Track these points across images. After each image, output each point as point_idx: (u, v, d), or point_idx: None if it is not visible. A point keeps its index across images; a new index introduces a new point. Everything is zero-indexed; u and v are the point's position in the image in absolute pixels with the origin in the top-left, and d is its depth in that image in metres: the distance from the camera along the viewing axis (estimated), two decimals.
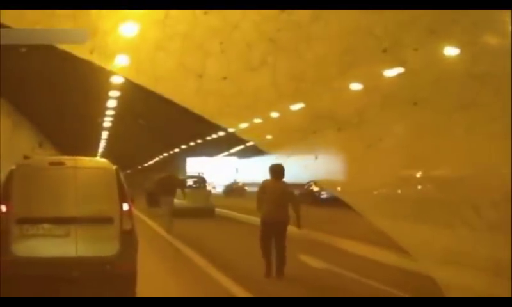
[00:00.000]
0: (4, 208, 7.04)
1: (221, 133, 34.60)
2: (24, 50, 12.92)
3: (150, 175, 35.40)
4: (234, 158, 54.87)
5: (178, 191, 17.59)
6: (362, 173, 6.43)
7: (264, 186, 8.73)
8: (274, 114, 7.78)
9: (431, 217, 5.52)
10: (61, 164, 7.54)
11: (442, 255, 5.29)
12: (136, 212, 8.60)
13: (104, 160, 8.31)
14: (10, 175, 7.35)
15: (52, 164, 7.63)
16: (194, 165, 56.13)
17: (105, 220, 7.14)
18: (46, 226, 7.02)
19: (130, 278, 7.13)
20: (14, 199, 7.10)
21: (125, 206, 7.22)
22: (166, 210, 16.02)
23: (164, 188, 16.67)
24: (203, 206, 21.32)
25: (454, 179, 5.52)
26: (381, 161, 5.98)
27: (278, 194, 8.45)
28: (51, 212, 7.08)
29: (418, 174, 6.22)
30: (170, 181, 17.21)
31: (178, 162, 55.36)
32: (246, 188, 41.58)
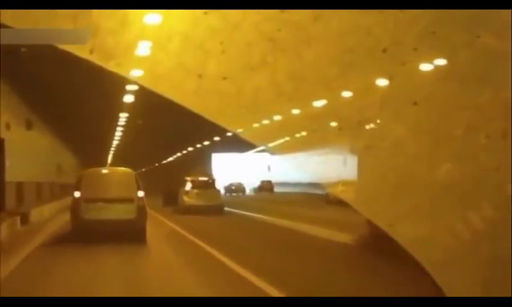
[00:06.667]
0: (78, 194, 13.80)
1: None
2: (24, 50, 12.90)
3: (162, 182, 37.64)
4: (266, 155, 48.18)
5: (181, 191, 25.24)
6: (362, 173, 6.43)
7: None
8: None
9: (431, 217, 5.51)
10: (107, 170, 15.96)
11: (442, 255, 5.29)
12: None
13: (128, 169, 14.89)
14: (80, 176, 14.65)
15: (103, 170, 15.59)
16: (221, 162, 52.14)
17: (129, 200, 13.75)
18: (99, 203, 13.66)
19: (143, 231, 13.41)
20: (83, 189, 13.87)
21: (140, 193, 13.93)
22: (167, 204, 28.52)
23: (166, 197, 30.00)
24: (213, 204, 24.06)
25: (454, 179, 5.51)
26: (381, 161, 5.98)
27: None
28: (101, 195, 13.78)
29: (418, 174, 6.21)
30: (171, 192, 28.52)
31: (202, 158, 50.73)
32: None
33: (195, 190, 24.82)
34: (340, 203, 20.88)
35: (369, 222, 12.74)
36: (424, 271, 5.28)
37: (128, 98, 22.71)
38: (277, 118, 7.85)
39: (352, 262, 10.84)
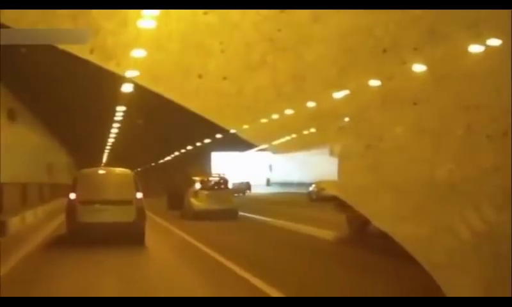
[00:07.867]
0: (73, 196, 12.87)
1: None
2: (23, 50, 12.87)
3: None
4: (268, 154, 46.31)
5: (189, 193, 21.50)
6: (362, 173, 6.43)
7: None
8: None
9: (431, 217, 5.51)
10: (104, 171, 14.94)
11: (442, 255, 5.29)
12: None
13: (126, 169, 14.04)
14: (75, 177, 13.65)
15: (100, 170, 14.85)
16: (220, 161, 52.05)
17: (127, 202, 12.86)
18: (96, 205, 12.71)
19: (141, 234, 12.74)
20: (78, 191, 12.90)
21: (139, 195, 13.06)
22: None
23: (171, 199, 26.24)
24: (226, 208, 20.51)
25: (454, 179, 5.51)
26: (380, 161, 5.98)
27: None
28: (99, 197, 12.83)
29: (418, 174, 6.22)
30: (177, 194, 24.26)
31: (201, 157, 48.99)
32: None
33: (205, 192, 21.14)
34: (323, 200, 23.42)
35: (349, 219, 12.97)
36: (408, 265, 5.29)
37: (127, 88, 20.12)
38: (277, 117, 7.84)
39: (322, 252, 12.37)
